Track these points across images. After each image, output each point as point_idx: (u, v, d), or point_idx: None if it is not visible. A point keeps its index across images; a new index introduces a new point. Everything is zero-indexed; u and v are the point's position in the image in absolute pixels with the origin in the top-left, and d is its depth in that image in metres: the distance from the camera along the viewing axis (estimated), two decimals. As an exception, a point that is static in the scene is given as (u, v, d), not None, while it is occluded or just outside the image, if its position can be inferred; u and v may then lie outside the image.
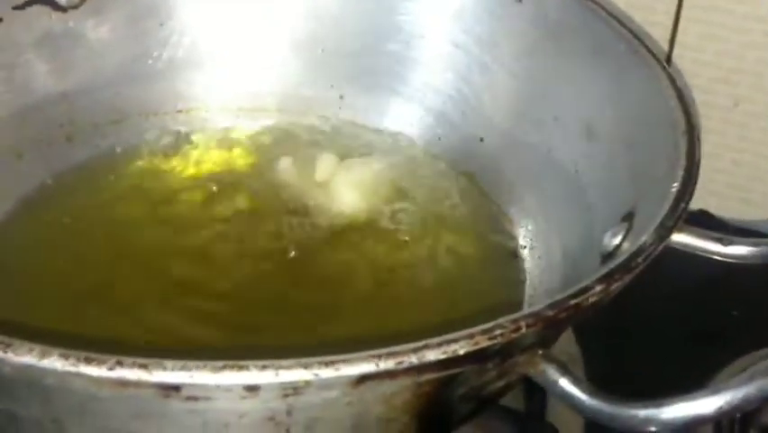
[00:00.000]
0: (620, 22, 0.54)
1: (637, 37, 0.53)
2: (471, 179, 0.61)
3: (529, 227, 0.57)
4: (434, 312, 0.52)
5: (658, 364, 0.58)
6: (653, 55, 0.51)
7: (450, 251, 0.56)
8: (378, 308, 0.53)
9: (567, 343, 0.55)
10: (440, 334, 0.35)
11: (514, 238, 0.57)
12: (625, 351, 0.59)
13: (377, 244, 0.56)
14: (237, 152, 0.63)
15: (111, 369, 0.33)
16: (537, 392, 0.52)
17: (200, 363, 0.33)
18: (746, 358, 0.57)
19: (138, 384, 0.33)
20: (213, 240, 0.56)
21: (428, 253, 0.56)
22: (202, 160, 0.62)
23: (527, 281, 0.55)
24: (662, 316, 0.61)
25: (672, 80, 0.50)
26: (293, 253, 0.55)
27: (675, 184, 0.44)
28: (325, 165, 0.60)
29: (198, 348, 0.49)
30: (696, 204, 0.71)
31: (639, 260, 0.40)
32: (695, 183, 0.44)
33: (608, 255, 0.47)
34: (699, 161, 0.45)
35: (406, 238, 0.57)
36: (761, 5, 0.65)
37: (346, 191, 0.58)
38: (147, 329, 0.50)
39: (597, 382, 0.53)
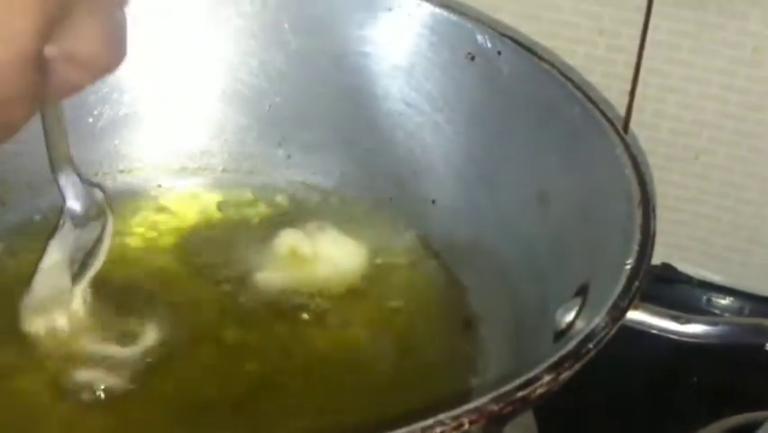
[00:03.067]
0: (576, 85, 0.52)
1: (593, 101, 0.51)
2: (423, 241, 0.59)
3: (482, 295, 0.55)
4: (378, 390, 0.50)
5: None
6: (609, 120, 0.50)
7: (398, 319, 0.55)
8: (315, 390, 0.50)
9: (524, 418, 0.53)
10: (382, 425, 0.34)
11: (466, 306, 0.56)
12: (584, 422, 0.57)
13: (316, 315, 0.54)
14: (179, 213, 0.61)
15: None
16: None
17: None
18: (719, 424, 0.56)
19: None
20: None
21: (374, 322, 0.54)
22: (144, 221, 0.60)
23: (481, 353, 0.53)
24: (622, 384, 0.60)
25: (628, 147, 0.48)
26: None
27: (629, 261, 0.42)
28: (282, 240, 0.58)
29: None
30: (659, 257, 0.71)
31: (590, 345, 0.39)
32: (650, 260, 0.43)
33: (561, 333, 0.45)
34: (654, 234, 0.44)
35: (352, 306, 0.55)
36: (720, 57, 0.64)
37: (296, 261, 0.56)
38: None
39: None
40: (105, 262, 0.52)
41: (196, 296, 0.55)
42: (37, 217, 0.59)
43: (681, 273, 0.71)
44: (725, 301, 0.70)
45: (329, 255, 0.57)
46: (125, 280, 0.55)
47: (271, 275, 0.55)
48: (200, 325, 0.53)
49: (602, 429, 0.57)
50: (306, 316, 0.54)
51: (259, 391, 0.50)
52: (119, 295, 0.53)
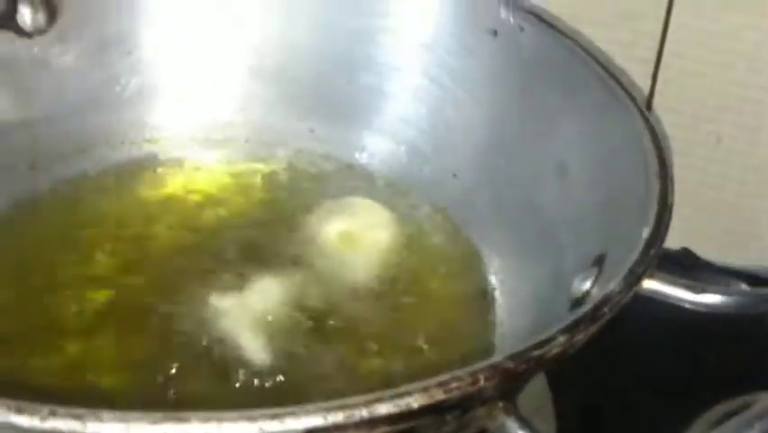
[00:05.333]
0: (597, 60, 0.53)
1: (614, 76, 0.52)
2: (444, 214, 0.59)
3: (500, 266, 0.56)
4: (399, 353, 0.51)
5: (633, 410, 0.57)
6: (630, 95, 0.50)
7: (419, 287, 0.55)
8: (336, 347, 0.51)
9: (538, 387, 0.53)
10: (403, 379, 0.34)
11: (485, 277, 0.56)
12: (598, 397, 0.58)
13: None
14: (205, 183, 0.61)
15: (44, 420, 0.32)
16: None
17: (139, 415, 0.32)
18: (722, 406, 0.56)
19: (73, 436, 0.32)
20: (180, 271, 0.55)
21: (395, 288, 0.55)
22: (170, 190, 0.61)
23: (497, 323, 0.53)
24: (638, 360, 0.60)
25: (647, 121, 0.49)
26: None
27: (646, 229, 0.43)
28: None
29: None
30: (678, 242, 0.71)
31: (605, 309, 0.39)
32: (666, 229, 0.43)
33: (578, 300, 0.45)
34: (672, 206, 0.44)
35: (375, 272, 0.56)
36: (744, 41, 0.64)
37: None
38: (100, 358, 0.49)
39: (568, 429, 0.53)
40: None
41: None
42: (62, 183, 0.59)
43: (700, 258, 0.71)
44: (743, 286, 0.70)
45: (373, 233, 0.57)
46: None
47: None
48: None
49: (617, 407, 0.57)
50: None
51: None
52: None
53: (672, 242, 0.43)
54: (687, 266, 0.70)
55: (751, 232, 0.71)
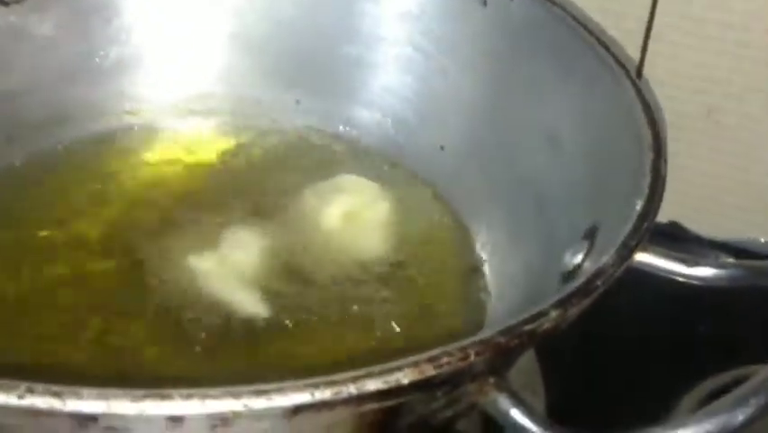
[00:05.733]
0: (588, 30, 0.52)
1: (605, 46, 0.51)
2: (432, 187, 0.59)
3: (490, 240, 0.55)
4: (389, 329, 0.50)
5: (623, 384, 0.57)
6: (622, 65, 0.50)
7: (406, 263, 0.54)
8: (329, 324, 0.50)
9: (527, 362, 0.52)
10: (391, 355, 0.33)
11: (474, 250, 0.55)
12: (591, 371, 0.57)
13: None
14: (186, 155, 0.60)
15: (21, 397, 0.31)
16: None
17: (119, 392, 0.31)
18: (712, 381, 0.55)
19: (51, 414, 0.31)
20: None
21: (381, 266, 0.54)
22: (150, 162, 0.59)
23: (488, 297, 0.53)
24: (627, 333, 0.59)
25: (640, 92, 0.48)
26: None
27: (639, 201, 0.42)
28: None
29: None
30: (667, 216, 0.71)
31: (598, 283, 0.38)
32: (660, 201, 0.42)
33: (569, 274, 0.45)
34: (665, 177, 0.43)
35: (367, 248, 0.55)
36: (734, 13, 0.63)
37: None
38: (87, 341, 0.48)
39: (558, 403, 0.52)
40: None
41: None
42: (40, 156, 0.58)
43: (689, 232, 0.70)
44: (733, 260, 0.69)
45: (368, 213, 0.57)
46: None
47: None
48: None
49: (608, 380, 0.57)
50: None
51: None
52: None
53: (661, 215, 0.43)
54: (676, 239, 0.70)
55: (741, 205, 0.70)
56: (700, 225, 0.71)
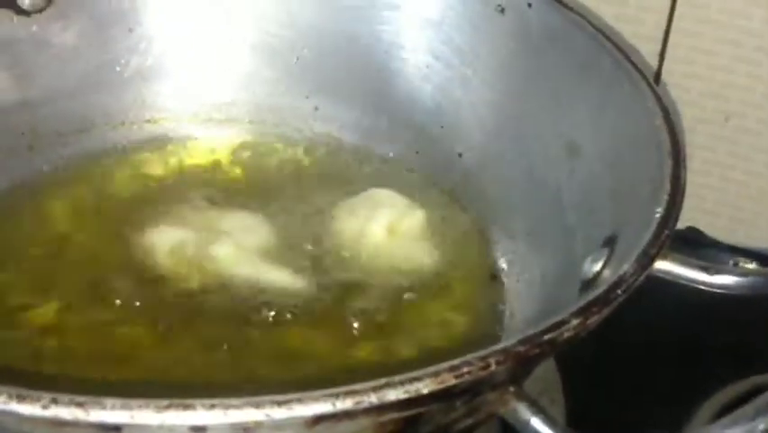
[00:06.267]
0: (606, 36, 0.52)
1: (624, 52, 0.51)
2: (450, 195, 0.59)
3: (509, 248, 0.55)
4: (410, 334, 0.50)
5: (642, 393, 0.56)
6: (640, 71, 0.49)
7: (425, 270, 0.54)
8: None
9: (546, 371, 0.52)
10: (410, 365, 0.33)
11: (493, 259, 0.55)
12: (607, 377, 0.57)
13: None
14: (209, 163, 0.60)
15: (45, 407, 0.31)
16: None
17: (142, 402, 0.31)
18: (729, 389, 0.55)
19: (75, 424, 0.31)
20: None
21: (402, 273, 0.54)
22: (173, 170, 0.60)
23: (506, 306, 0.53)
24: (645, 341, 0.59)
25: (659, 98, 0.48)
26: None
27: (659, 209, 0.42)
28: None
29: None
30: (685, 221, 0.70)
31: (619, 291, 0.38)
32: (680, 208, 0.42)
33: (588, 282, 0.45)
34: (685, 184, 0.43)
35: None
36: (752, 19, 0.63)
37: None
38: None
39: (577, 410, 0.52)
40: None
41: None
42: (62, 164, 0.59)
43: (707, 237, 0.70)
44: (752, 265, 0.69)
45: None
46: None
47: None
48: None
49: (626, 388, 0.57)
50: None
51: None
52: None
53: (679, 220, 0.43)
54: (694, 245, 0.70)
55: (758, 210, 0.70)
56: (718, 229, 0.70)
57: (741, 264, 0.69)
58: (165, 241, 0.54)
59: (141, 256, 0.53)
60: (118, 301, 0.51)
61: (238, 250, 0.53)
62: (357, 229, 0.55)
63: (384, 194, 0.57)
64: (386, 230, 0.56)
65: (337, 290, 0.52)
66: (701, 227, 0.70)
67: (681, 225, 0.57)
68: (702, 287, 0.43)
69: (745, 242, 0.70)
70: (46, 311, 0.50)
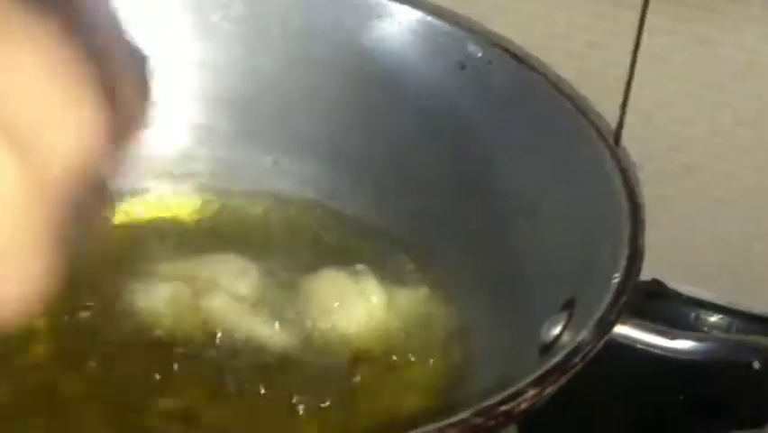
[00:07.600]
0: (566, 95, 0.52)
1: (583, 113, 0.51)
2: (409, 251, 0.58)
3: (468, 308, 0.54)
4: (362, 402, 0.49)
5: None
6: (599, 132, 0.49)
7: (385, 331, 0.53)
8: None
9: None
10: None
11: (452, 319, 0.55)
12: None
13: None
14: (166, 216, 0.60)
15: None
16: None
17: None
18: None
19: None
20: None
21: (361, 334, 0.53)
22: (129, 224, 0.59)
23: (465, 368, 0.52)
24: (607, 401, 0.59)
25: (618, 160, 0.48)
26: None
27: (617, 275, 0.42)
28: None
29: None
30: (648, 273, 0.70)
31: (577, 359, 0.38)
32: (638, 274, 0.42)
33: (547, 346, 0.44)
34: (643, 249, 0.43)
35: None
36: (714, 72, 0.63)
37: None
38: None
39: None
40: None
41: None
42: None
43: (670, 289, 0.70)
44: (714, 318, 0.69)
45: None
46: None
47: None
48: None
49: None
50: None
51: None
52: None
53: (643, 273, 0.42)
54: (656, 296, 0.69)
55: (721, 263, 0.70)
56: (681, 282, 0.70)
57: (702, 317, 0.69)
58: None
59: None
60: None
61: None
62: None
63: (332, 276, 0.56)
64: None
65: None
66: (664, 279, 0.70)
67: (645, 276, 0.57)
68: (660, 352, 0.42)
69: (709, 295, 0.70)
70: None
